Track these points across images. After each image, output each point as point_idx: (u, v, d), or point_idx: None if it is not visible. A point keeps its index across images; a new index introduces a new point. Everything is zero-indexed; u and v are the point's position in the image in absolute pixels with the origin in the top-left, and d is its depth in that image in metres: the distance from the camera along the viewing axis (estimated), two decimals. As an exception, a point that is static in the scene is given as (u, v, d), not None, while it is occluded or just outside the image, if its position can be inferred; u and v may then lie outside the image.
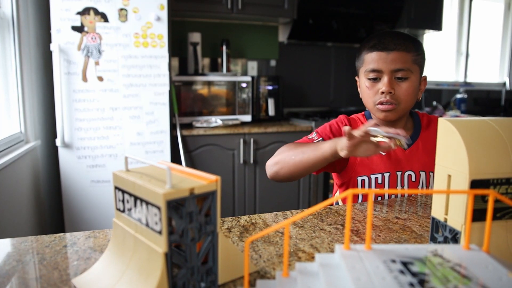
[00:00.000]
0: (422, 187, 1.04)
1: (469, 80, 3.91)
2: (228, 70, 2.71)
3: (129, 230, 0.49)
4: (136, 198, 0.47)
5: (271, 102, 2.62)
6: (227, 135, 2.37)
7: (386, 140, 0.77)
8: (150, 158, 2.14)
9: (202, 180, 0.46)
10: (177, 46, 2.67)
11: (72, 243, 0.65)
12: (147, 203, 0.45)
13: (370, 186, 1.04)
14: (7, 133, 1.71)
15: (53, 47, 1.90)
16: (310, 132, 1.11)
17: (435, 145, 0.57)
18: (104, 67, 2.00)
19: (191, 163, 2.32)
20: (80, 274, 0.53)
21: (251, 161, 2.44)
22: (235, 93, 2.51)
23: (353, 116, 1.14)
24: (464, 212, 0.50)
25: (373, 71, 0.99)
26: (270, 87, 2.62)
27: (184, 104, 2.40)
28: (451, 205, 0.54)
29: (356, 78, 1.10)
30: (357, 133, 0.76)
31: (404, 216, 0.79)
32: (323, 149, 0.87)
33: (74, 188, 2.03)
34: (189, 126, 2.39)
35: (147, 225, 0.46)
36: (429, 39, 3.65)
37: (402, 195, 0.95)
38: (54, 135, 2.10)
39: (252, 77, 2.56)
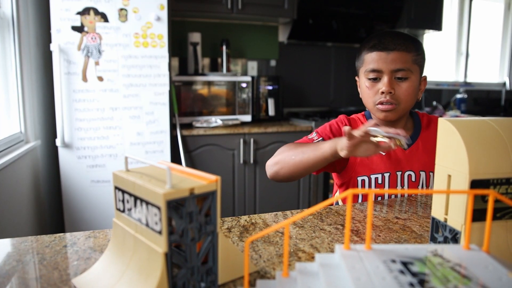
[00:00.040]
0: (422, 187, 1.04)
1: (469, 80, 3.91)
2: (228, 70, 2.71)
3: (129, 230, 0.49)
4: (136, 198, 0.47)
5: (271, 102, 2.62)
6: (227, 135, 2.37)
7: (386, 140, 0.77)
8: (150, 158, 2.14)
9: (202, 180, 0.46)
10: (177, 46, 2.67)
11: (72, 243, 0.65)
12: (147, 203, 0.45)
13: (370, 186, 1.04)
14: (7, 133, 1.71)
15: (53, 47, 1.90)
16: (310, 132, 1.11)
17: (435, 145, 0.57)
18: (104, 67, 2.00)
19: (191, 163, 2.32)
20: (80, 274, 0.53)
21: (251, 161, 2.44)
22: (235, 93, 2.51)
23: (353, 116, 1.14)
24: (464, 212, 0.50)
25: (373, 71, 0.99)
26: (270, 87, 2.62)
27: (184, 104, 2.40)
28: (451, 205, 0.54)
29: (356, 78, 1.10)
30: (357, 133, 0.76)
31: (404, 216, 0.79)
32: (323, 149, 0.87)
33: (74, 188, 2.03)
34: (189, 126, 2.39)
35: (147, 225, 0.46)
36: (429, 39, 3.65)
37: (402, 195, 0.95)
38: (54, 135, 2.10)
39: (252, 77, 2.56)
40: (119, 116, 2.06)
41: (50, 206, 2.17)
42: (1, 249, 0.62)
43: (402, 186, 1.04)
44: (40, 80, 2.07)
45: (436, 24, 3.22)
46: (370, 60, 1.00)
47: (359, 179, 1.04)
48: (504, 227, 0.51)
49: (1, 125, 1.72)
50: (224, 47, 2.68)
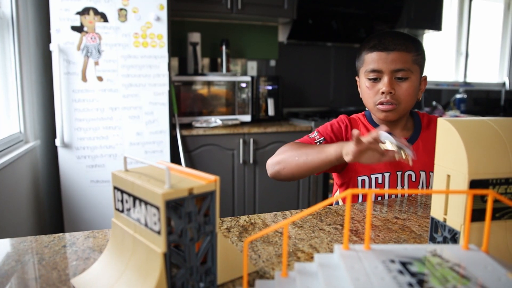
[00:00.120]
0: (422, 187, 1.04)
1: (468, 80, 3.91)
2: (228, 70, 2.71)
3: (128, 230, 0.49)
4: (135, 198, 0.47)
5: (270, 102, 2.62)
6: (226, 135, 2.37)
7: (394, 149, 0.75)
8: (150, 158, 2.14)
9: (201, 180, 0.46)
10: (177, 46, 2.67)
11: (71, 243, 0.65)
12: (146, 203, 0.45)
13: (370, 186, 1.04)
14: (6, 133, 1.71)
15: (52, 47, 1.90)
16: (310, 132, 1.11)
17: (435, 145, 0.57)
18: (103, 67, 2.00)
19: (190, 163, 2.32)
20: (79, 274, 0.53)
21: (251, 161, 2.44)
22: (235, 93, 2.51)
23: (353, 116, 1.14)
24: (463, 212, 0.50)
25: (373, 71, 0.99)
26: (269, 87, 2.62)
27: (184, 104, 2.40)
28: (450, 205, 0.54)
29: (356, 78, 1.10)
30: (365, 139, 0.76)
31: (403, 216, 0.79)
32: (328, 152, 0.86)
33: (73, 188, 2.03)
34: (189, 126, 2.39)
35: (146, 225, 0.45)
36: (429, 39, 3.65)
37: (402, 195, 0.95)
38: (53, 135, 2.10)
39: (252, 77, 2.56)
40: (118, 116, 2.06)
41: (49, 206, 2.17)
42: (0, 249, 0.62)
43: (402, 186, 1.04)
44: (39, 80, 2.07)
45: (435, 24, 3.22)
46: (370, 60, 1.00)
47: (359, 179, 1.04)
48: (503, 227, 0.51)
49: (0, 125, 1.72)
50: (223, 47, 2.68)
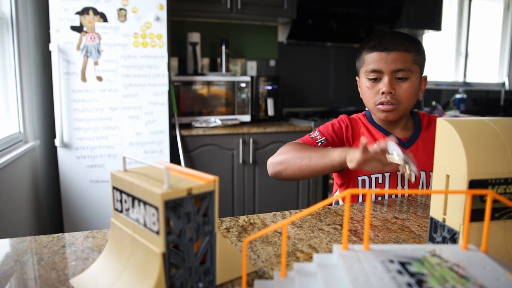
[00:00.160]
0: (422, 187, 1.04)
1: (468, 80, 3.91)
2: (228, 70, 2.71)
3: (127, 230, 0.49)
4: (134, 198, 0.47)
5: (270, 102, 2.62)
6: (226, 135, 2.37)
7: (401, 162, 0.75)
8: (149, 158, 2.14)
9: (200, 180, 0.46)
10: (177, 46, 2.67)
11: (70, 243, 0.65)
12: (145, 203, 0.45)
13: (370, 185, 1.04)
14: (6, 133, 1.71)
15: (52, 47, 1.90)
16: (310, 132, 1.11)
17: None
18: (103, 67, 2.00)
19: (190, 163, 2.32)
20: (78, 275, 0.53)
21: (250, 161, 2.44)
22: (235, 93, 2.51)
23: (353, 116, 1.14)
24: (462, 212, 0.50)
25: (374, 71, 0.99)
26: (269, 87, 2.62)
27: (183, 104, 2.40)
28: (449, 205, 0.54)
29: (357, 78, 1.10)
30: (373, 149, 0.76)
31: (403, 216, 0.79)
32: (332, 157, 0.86)
33: (73, 188, 2.03)
34: (188, 126, 2.39)
35: (144, 225, 0.45)
36: (429, 39, 3.65)
37: (402, 195, 0.95)
38: (53, 135, 2.10)
39: (252, 77, 2.56)
40: (118, 116, 2.06)
41: (49, 206, 2.17)
42: (0, 249, 0.62)
43: (403, 186, 1.04)
44: (39, 80, 2.07)
45: (435, 24, 3.22)
46: (371, 60, 1.00)
47: (360, 178, 1.04)
48: (502, 227, 0.51)
49: (0, 125, 1.72)
50: (223, 47, 2.68)
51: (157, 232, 0.43)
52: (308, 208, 0.41)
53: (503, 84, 4.01)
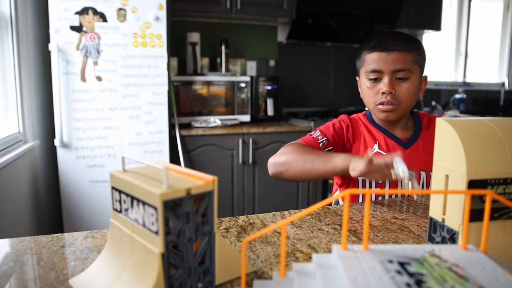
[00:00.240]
0: (423, 187, 1.04)
1: (468, 80, 3.91)
2: (227, 70, 2.71)
3: (126, 231, 0.49)
4: (132, 198, 0.47)
5: (270, 102, 2.62)
6: (226, 135, 2.37)
7: (405, 180, 0.75)
8: (149, 158, 2.14)
9: (199, 180, 0.46)
10: (176, 46, 2.67)
11: (69, 244, 0.65)
12: (144, 203, 0.45)
13: (370, 186, 1.04)
14: (5, 133, 1.71)
15: (51, 47, 1.90)
16: (309, 132, 1.11)
17: (435, 145, 0.57)
18: (102, 67, 2.00)
19: (190, 163, 2.32)
20: (77, 275, 0.53)
21: (250, 161, 2.44)
22: (234, 93, 2.51)
23: (353, 116, 1.14)
24: (461, 212, 0.50)
25: (374, 71, 0.99)
26: (269, 87, 2.62)
27: (183, 104, 2.40)
28: (448, 205, 0.54)
29: (357, 78, 1.10)
30: (378, 161, 0.76)
31: (402, 216, 0.79)
32: (334, 163, 0.86)
33: (72, 188, 2.03)
34: (188, 126, 2.39)
35: (143, 225, 0.45)
36: (428, 39, 3.65)
37: (402, 195, 0.95)
38: (52, 135, 2.10)
39: (251, 77, 2.56)
40: (117, 116, 2.06)
41: (48, 206, 2.17)
42: (-2, 250, 0.62)
43: (403, 186, 1.04)
44: (38, 80, 2.07)
45: (435, 24, 3.22)
46: (371, 60, 1.00)
47: (360, 179, 1.04)
48: (501, 227, 0.51)
49: (-1, 125, 1.72)
50: (223, 47, 2.68)
51: (156, 232, 0.43)
52: (307, 208, 0.41)
53: (503, 84, 4.01)
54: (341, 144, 1.07)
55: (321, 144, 1.04)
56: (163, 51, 2.09)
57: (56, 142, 1.96)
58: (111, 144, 2.06)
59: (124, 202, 0.49)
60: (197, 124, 2.37)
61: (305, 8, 2.74)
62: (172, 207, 0.44)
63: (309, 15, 2.83)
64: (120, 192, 0.49)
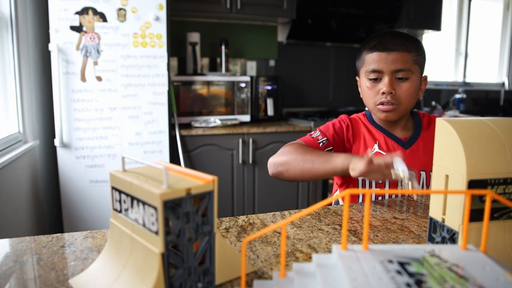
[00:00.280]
0: (423, 187, 1.04)
1: (468, 80, 3.91)
2: (227, 70, 2.71)
3: (126, 231, 0.49)
4: (132, 198, 0.47)
5: (270, 102, 2.62)
6: (226, 135, 2.37)
7: (405, 180, 0.76)
8: (149, 158, 2.14)
9: (199, 180, 0.46)
10: (176, 46, 2.67)
11: (69, 244, 0.65)
12: (144, 203, 0.45)
13: (370, 186, 1.04)
14: (5, 133, 1.71)
15: (51, 47, 1.90)
16: (309, 132, 1.10)
17: (435, 145, 0.57)
18: (102, 67, 2.00)
19: (190, 163, 2.32)
20: (77, 275, 0.53)
21: (250, 161, 2.44)
22: (234, 93, 2.51)
23: (354, 116, 1.14)
24: (461, 212, 0.50)
25: (374, 71, 0.99)
26: (269, 87, 2.62)
27: (183, 104, 2.40)
28: (448, 205, 0.54)
29: (357, 78, 1.10)
30: (378, 161, 0.76)
31: (402, 216, 0.79)
32: (335, 163, 0.86)
33: (72, 188, 2.03)
34: (188, 126, 2.39)
35: (143, 225, 0.45)
36: (428, 39, 3.65)
37: (402, 195, 0.95)
38: (52, 135, 2.10)
39: (251, 77, 2.56)
40: (117, 116, 2.06)
41: (48, 206, 2.17)
42: (-2, 250, 0.62)
43: (403, 186, 1.04)
44: (38, 80, 2.07)
45: (435, 24, 3.22)
46: (371, 60, 1.00)
47: (360, 178, 1.04)
48: (501, 227, 0.51)
49: (-1, 125, 1.72)
50: (223, 47, 2.68)
51: (156, 232, 0.43)
52: (307, 208, 0.41)
53: (503, 84, 4.01)
54: (341, 144, 1.07)
55: (321, 144, 1.04)
56: (163, 51, 2.09)
57: (56, 142, 1.96)
58: (111, 144, 2.06)
59: (124, 202, 0.49)
60: (197, 124, 2.37)
61: (305, 8, 2.74)
62: (172, 207, 0.44)
63: (309, 15, 2.83)
64: (120, 192, 0.49)
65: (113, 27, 1.99)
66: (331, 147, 1.05)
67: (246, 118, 2.56)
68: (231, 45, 2.84)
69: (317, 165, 0.89)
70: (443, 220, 0.55)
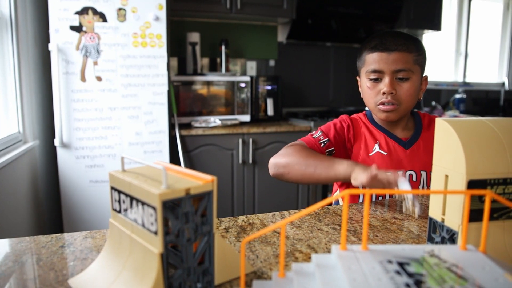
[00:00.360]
0: (423, 187, 1.04)
1: (468, 80, 3.91)
2: (227, 70, 2.71)
3: (125, 231, 0.49)
4: (132, 198, 0.47)
5: (270, 102, 2.62)
6: (226, 135, 2.37)
7: (408, 202, 0.77)
8: (149, 158, 2.14)
9: (198, 181, 0.46)
10: (176, 46, 2.67)
11: (69, 244, 0.65)
12: (143, 203, 0.45)
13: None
14: (5, 133, 1.71)
15: (51, 47, 1.90)
16: (309, 132, 1.10)
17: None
18: (102, 67, 2.00)
19: (189, 163, 2.32)
20: (77, 275, 0.53)
21: (250, 161, 2.44)
22: (234, 93, 2.51)
23: (354, 115, 1.14)
24: (461, 213, 0.50)
25: (375, 71, 0.99)
26: (269, 87, 2.62)
27: (183, 104, 2.40)
28: (448, 205, 0.54)
29: (357, 78, 1.10)
30: (382, 177, 0.76)
31: (402, 216, 0.79)
32: (337, 170, 0.86)
33: (72, 188, 2.03)
34: (188, 126, 2.39)
35: (143, 225, 0.45)
36: (428, 39, 3.65)
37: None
38: (52, 135, 2.10)
39: (251, 77, 2.56)
40: (117, 116, 2.06)
41: (48, 206, 2.17)
42: (-2, 250, 0.62)
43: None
44: (38, 80, 2.07)
45: (435, 24, 3.22)
46: (372, 60, 1.00)
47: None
48: (501, 227, 0.51)
49: (-1, 125, 1.72)
50: (223, 47, 2.68)
51: (155, 233, 0.43)
52: (307, 208, 0.41)
53: (503, 84, 4.01)
54: (342, 144, 1.07)
55: (323, 144, 1.04)
56: (163, 51, 2.09)
57: (56, 142, 1.96)
58: (111, 144, 2.06)
59: (123, 202, 0.49)
60: (197, 124, 2.37)
61: (305, 8, 2.74)
62: (171, 207, 0.44)
63: (309, 15, 2.83)
64: (120, 192, 0.49)
65: (113, 27, 1.99)
66: (332, 148, 1.05)
67: (246, 118, 2.56)
68: (231, 45, 2.84)
69: (319, 170, 0.89)
70: (443, 220, 0.55)
